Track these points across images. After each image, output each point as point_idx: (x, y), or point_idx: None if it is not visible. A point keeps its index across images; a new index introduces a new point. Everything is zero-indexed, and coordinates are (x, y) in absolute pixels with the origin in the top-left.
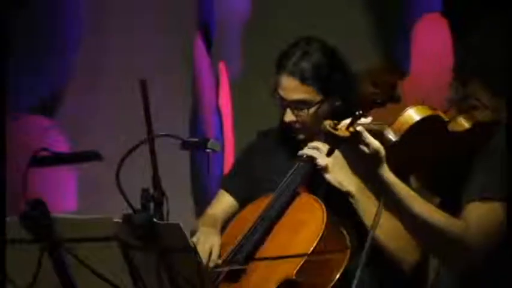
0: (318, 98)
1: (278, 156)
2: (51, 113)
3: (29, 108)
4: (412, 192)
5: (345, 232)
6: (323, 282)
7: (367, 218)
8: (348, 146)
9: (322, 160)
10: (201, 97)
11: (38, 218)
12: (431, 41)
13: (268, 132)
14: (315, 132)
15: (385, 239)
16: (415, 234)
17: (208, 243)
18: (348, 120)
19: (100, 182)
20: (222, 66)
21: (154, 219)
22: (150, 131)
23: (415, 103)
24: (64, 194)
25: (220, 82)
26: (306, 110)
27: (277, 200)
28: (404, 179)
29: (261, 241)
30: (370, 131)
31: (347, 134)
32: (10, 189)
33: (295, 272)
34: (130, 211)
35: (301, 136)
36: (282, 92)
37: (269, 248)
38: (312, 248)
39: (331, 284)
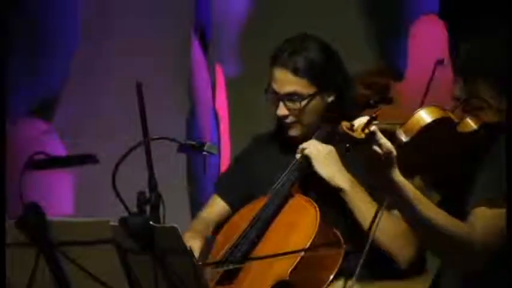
0: (311, 90)
1: (274, 157)
2: (48, 116)
3: (25, 111)
4: (420, 195)
5: (338, 233)
6: (317, 283)
7: (360, 214)
8: (362, 147)
9: (315, 160)
10: (198, 99)
11: (34, 221)
12: (428, 43)
13: (263, 135)
14: (309, 130)
15: (382, 238)
16: (422, 237)
17: None
18: (362, 121)
19: (96, 185)
20: (218, 68)
21: (151, 222)
22: (146, 133)
23: (427, 104)
24: (60, 197)
25: (216, 84)
26: (298, 103)
27: (271, 201)
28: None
29: (255, 242)
30: (382, 131)
31: (363, 135)
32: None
33: (288, 272)
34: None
35: (295, 132)
36: (275, 86)
37: (263, 249)
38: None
39: (325, 285)
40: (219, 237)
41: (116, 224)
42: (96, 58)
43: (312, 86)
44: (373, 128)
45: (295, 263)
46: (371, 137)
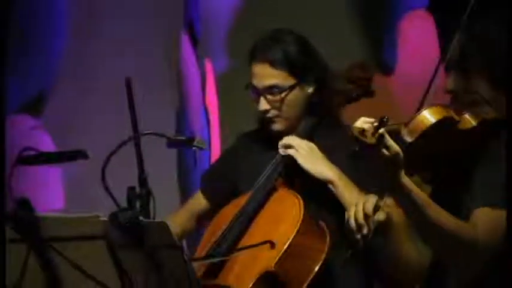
0: (290, 82)
1: (259, 154)
2: (37, 112)
3: (14, 107)
4: (426, 198)
5: (323, 225)
6: (303, 274)
7: (350, 204)
8: (371, 151)
9: (299, 156)
10: (188, 94)
11: (24, 217)
12: (418, 37)
13: (249, 132)
14: (292, 123)
15: (350, 201)
16: (426, 239)
17: None
18: (369, 124)
19: (87, 180)
20: (208, 63)
21: (141, 218)
22: (136, 129)
23: (430, 104)
24: (51, 192)
25: (206, 79)
26: (278, 95)
27: (255, 195)
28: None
29: (240, 236)
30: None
31: (374, 140)
32: None
33: (274, 263)
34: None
35: (278, 127)
36: (254, 81)
37: (248, 241)
38: (289, 241)
39: (312, 276)
40: (206, 234)
41: (106, 219)
42: (85, 54)
43: (291, 77)
44: (381, 130)
45: (280, 254)
46: (380, 140)
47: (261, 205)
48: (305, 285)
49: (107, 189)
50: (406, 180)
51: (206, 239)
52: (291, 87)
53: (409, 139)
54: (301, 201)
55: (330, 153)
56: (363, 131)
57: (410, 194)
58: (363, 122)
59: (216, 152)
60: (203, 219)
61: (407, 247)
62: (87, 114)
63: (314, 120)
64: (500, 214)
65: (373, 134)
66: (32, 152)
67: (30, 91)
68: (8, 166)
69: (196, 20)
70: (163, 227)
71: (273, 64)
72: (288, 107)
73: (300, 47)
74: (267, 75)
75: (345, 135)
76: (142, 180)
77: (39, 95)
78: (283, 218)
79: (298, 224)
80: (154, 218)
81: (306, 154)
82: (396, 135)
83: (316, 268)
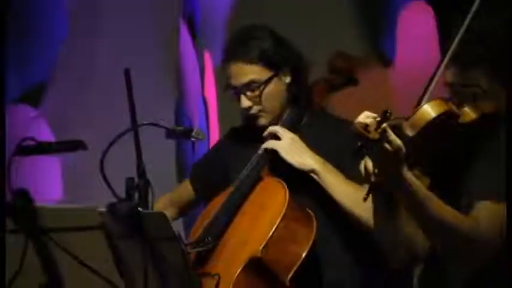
0: (267, 75)
1: (247, 148)
2: (36, 102)
3: (15, 98)
4: (428, 192)
5: (310, 211)
6: (291, 260)
7: (335, 191)
8: (373, 146)
9: (282, 150)
10: (186, 86)
11: (22, 207)
12: (417, 29)
13: (238, 127)
14: (276, 116)
15: (348, 204)
16: (427, 232)
17: None
18: (372, 119)
19: (85, 171)
20: (207, 55)
21: (139, 208)
22: (134, 119)
23: (432, 98)
24: (49, 183)
25: (205, 70)
26: (258, 90)
27: (241, 185)
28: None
29: (226, 225)
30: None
31: (377, 135)
32: None
33: (260, 249)
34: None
35: (263, 121)
36: (232, 81)
37: (235, 230)
38: (275, 227)
39: (300, 261)
40: (195, 226)
41: (105, 210)
42: (84, 45)
43: (267, 70)
44: (384, 125)
45: (266, 240)
46: (384, 135)
47: (246, 194)
48: (293, 271)
49: (105, 179)
50: (408, 174)
51: (195, 229)
52: (268, 80)
53: (410, 133)
54: (286, 188)
55: (315, 143)
56: (365, 126)
57: (412, 188)
58: (366, 117)
59: (214, 143)
60: (186, 209)
61: (403, 221)
62: (86, 105)
63: (297, 111)
64: (501, 207)
65: (376, 129)
66: (31, 142)
67: (30, 82)
68: (7, 156)
69: (196, 12)
70: (162, 217)
71: (248, 60)
72: (269, 100)
73: (272, 39)
74: (242, 72)
75: (331, 125)
76: (141, 171)
77: (39, 85)
78: (269, 205)
79: (284, 210)
80: (152, 209)
81: (288, 146)
82: (398, 130)
83: (304, 254)
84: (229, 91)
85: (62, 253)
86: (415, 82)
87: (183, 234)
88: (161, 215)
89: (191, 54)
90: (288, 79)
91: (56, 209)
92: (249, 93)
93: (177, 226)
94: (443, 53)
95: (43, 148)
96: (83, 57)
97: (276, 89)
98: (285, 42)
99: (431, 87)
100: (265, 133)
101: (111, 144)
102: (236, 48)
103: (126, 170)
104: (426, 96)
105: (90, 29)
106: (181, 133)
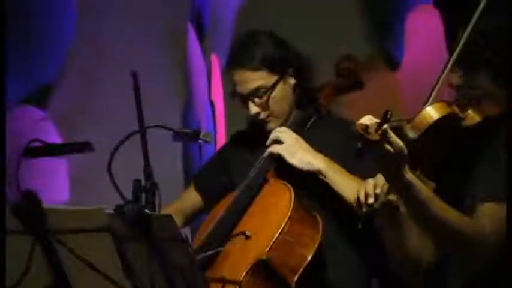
0: (272, 79)
1: (251, 151)
2: (43, 104)
3: (21, 98)
4: (430, 193)
5: (316, 214)
6: (297, 262)
7: (341, 188)
8: (374, 148)
9: (287, 153)
10: (194, 88)
11: (30, 209)
12: (424, 32)
13: (244, 131)
14: (284, 119)
15: (341, 187)
16: (430, 233)
17: None
18: (373, 121)
19: (92, 173)
20: (214, 58)
21: (146, 210)
22: (141, 122)
23: (436, 100)
24: (57, 184)
25: (212, 74)
26: (265, 96)
27: (247, 188)
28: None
29: (232, 227)
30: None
31: (377, 137)
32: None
33: (266, 251)
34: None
35: (273, 126)
36: (238, 88)
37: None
38: (280, 229)
39: (306, 264)
40: (201, 229)
41: (112, 211)
42: (92, 47)
43: (272, 74)
44: (385, 127)
45: (271, 242)
46: (384, 136)
47: (252, 197)
48: (299, 273)
49: (112, 181)
50: (410, 176)
51: (201, 232)
52: (274, 84)
53: (412, 135)
54: (292, 190)
55: (321, 144)
56: (366, 127)
57: (414, 189)
58: (367, 119)
59: (219, 148)
60: (192, 217)
61: (410, 234)
62: (93, 106)
63: (303, 113)
64: (503, 208)
65: (376, 131)
66: (39, 144)
67: (37, 83)
68: (10, 157)
69: (204, 15)
70: (169, 219)
71: (253, 67)
72: (277, 103)
73: (273, 43)
74: (249, 79)
75: (336, 126)
76: (148, 173)
77: (46, 87)
78: (275, 207)
79: (289, 212)
80: (159, 211)
81: (292, 148)
82: (399, 131)
83: (310, 256)
84: (236, 98)
85: (69, 255)
86: (422, 85)
87: (189, 237)
88: (168, 218)
89: (199, 58)
90: (292, 80)
91: (63, 211)
92: (256, 100)
93: (184, 229)
94: (450, 55)
95: (50, 150)
96: (91, 59)
97: (283, 92)
98: (285, 44)
99: (436, 90)
100: (269, 141)
101: (118, 146)
102: (240, 56)
103: (134, 172)
104: (431, 99)
105: (97, 30)
106: (188, 135)
